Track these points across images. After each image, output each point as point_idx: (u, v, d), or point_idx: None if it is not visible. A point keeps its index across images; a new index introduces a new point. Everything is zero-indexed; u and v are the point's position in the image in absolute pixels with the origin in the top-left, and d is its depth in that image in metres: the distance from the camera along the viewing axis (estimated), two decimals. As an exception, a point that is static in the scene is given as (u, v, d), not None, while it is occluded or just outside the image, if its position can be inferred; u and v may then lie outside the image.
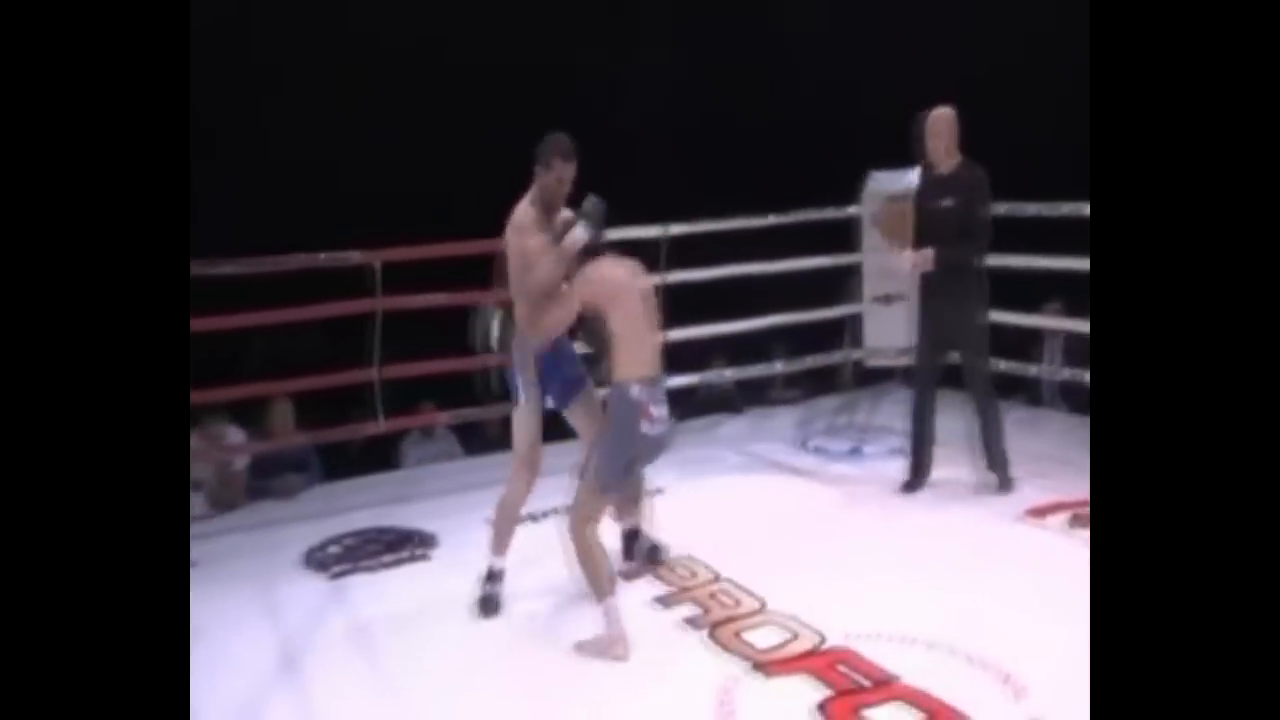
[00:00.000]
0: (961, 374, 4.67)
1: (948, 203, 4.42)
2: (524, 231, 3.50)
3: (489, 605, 3.63)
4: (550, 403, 3.74)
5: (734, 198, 6.00)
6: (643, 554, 3.93)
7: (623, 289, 3.40)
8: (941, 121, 4.46)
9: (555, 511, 4.15)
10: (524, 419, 3.64)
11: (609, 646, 3.26)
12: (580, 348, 3.81)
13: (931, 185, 4.52)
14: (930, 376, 4.67)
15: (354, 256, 5.06)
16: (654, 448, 3.42)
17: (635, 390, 3.32)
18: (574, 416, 3.79)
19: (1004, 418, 4.68)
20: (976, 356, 4.59)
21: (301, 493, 5.14)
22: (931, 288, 4.57)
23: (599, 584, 3.31)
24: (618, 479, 3.42)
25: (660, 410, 3.36)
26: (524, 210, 3.54)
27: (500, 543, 3.69)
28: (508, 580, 3.72)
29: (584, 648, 3.31)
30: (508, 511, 3.70)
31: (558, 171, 3.52)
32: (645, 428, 3.32)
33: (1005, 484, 4.57)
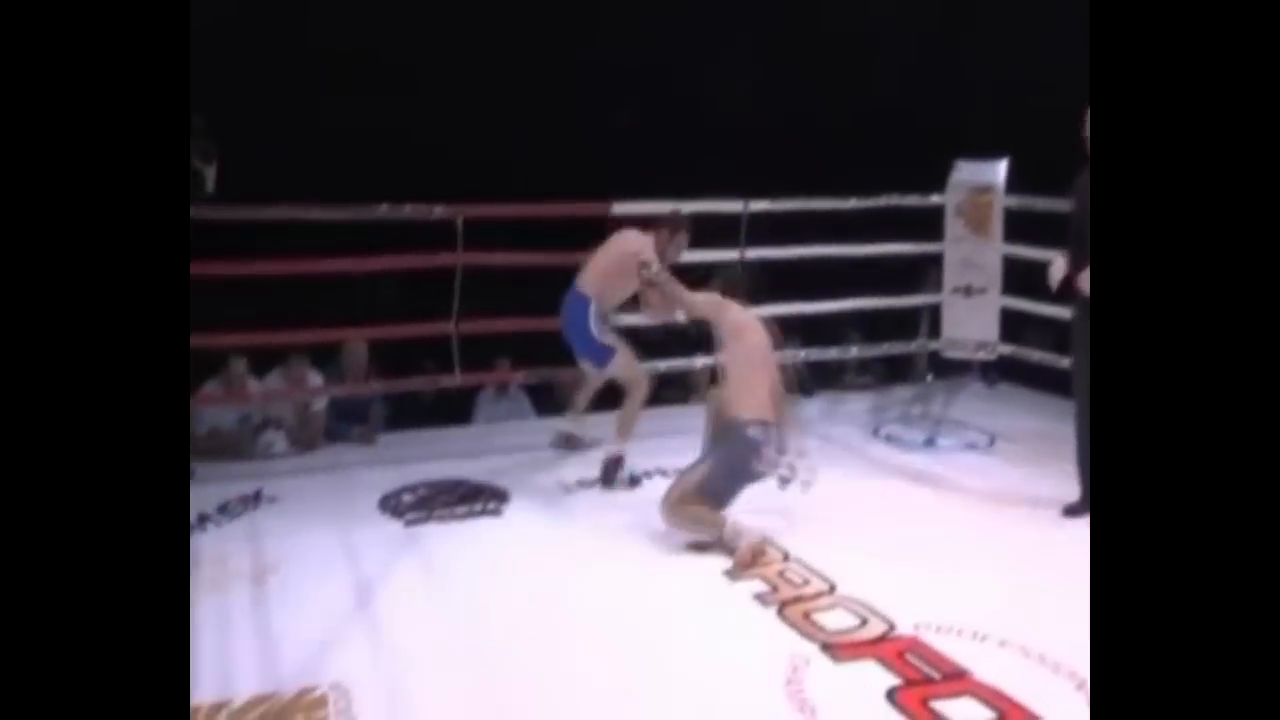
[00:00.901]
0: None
1: None
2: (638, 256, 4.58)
3: (610, 477, 4.56)
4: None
5: (821, 183, 5.96)
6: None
7: (747, 329, 3.97)
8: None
9: (660, 472, 4.60)
10: (625, 359, 4.74)
11: (735, 538, 3.67)
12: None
13: (1085, 179, 4.17)
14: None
15: (437, 210, 5.10)
16: (761, 476, 3.89)
17: (753, 431, 3.81)
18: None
19: None
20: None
21: (377, 440, 5.24)
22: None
23: (708, 527, 3.73)
24: (722, 497, 3.83)
25: (772, 452, 3.85)
26: (645, 244, 4.64)
27: (625, 433, 4.68)
28: (575, 550, 3.86)
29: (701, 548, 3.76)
30: (634, 407, 4.68)
31: (679, 243, 4.76)
32: (757, 464, 3.82)
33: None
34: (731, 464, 3.82)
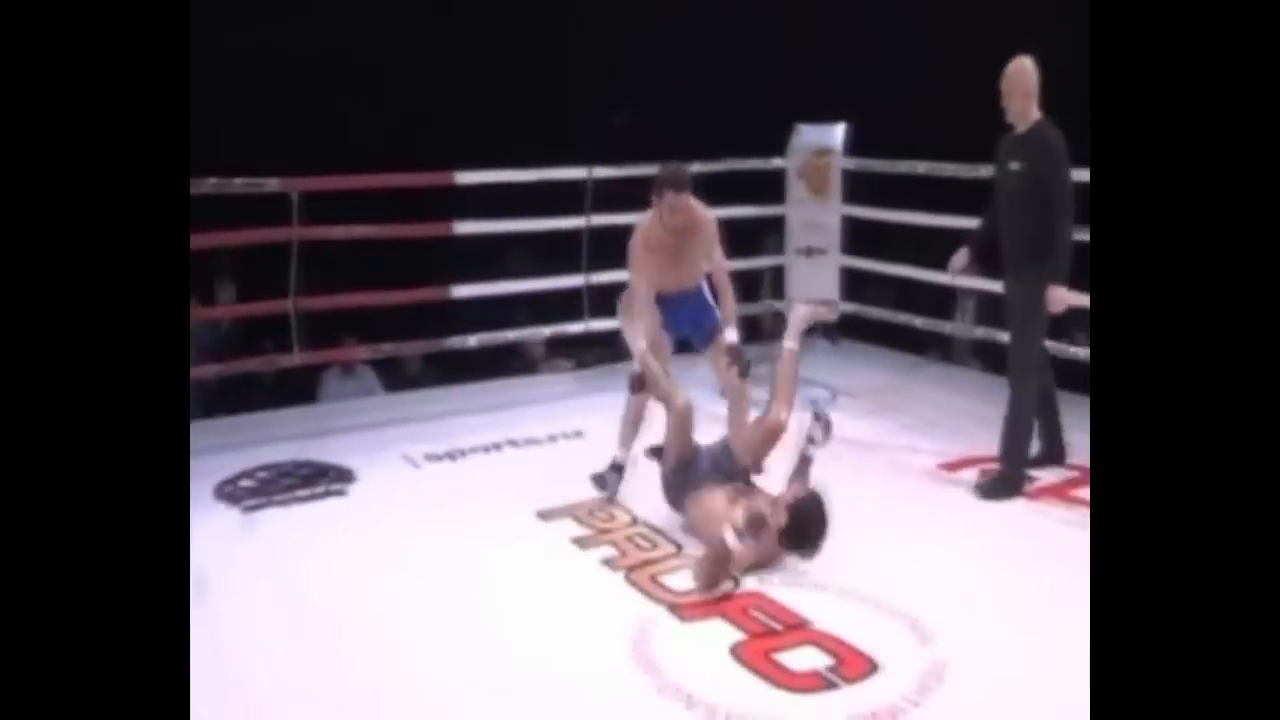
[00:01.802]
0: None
1: (1015, 166, 3.98)
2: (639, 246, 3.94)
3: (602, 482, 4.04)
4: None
5: (664, 147, 5.97)
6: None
7: None
8: (1009, 77, 3.95)
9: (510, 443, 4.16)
10: None
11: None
12: None
13: (1004, 146, 4.07)
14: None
15: (271, 184, 4.92)
16: None
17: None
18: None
19: (1032, 414, 4.16)
20: (1012, 333, 4.22)
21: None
22: (1009, 267, 4.14)
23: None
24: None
25: None
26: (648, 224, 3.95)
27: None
28: (425, 527, 3.77)
29: None
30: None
31: (669, 202, 3.85)
32: None
33: (1005, 481, 4.10)
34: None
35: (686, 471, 3.64)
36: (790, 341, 3.86)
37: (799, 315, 4.01)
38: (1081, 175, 3.83)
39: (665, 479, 3.74)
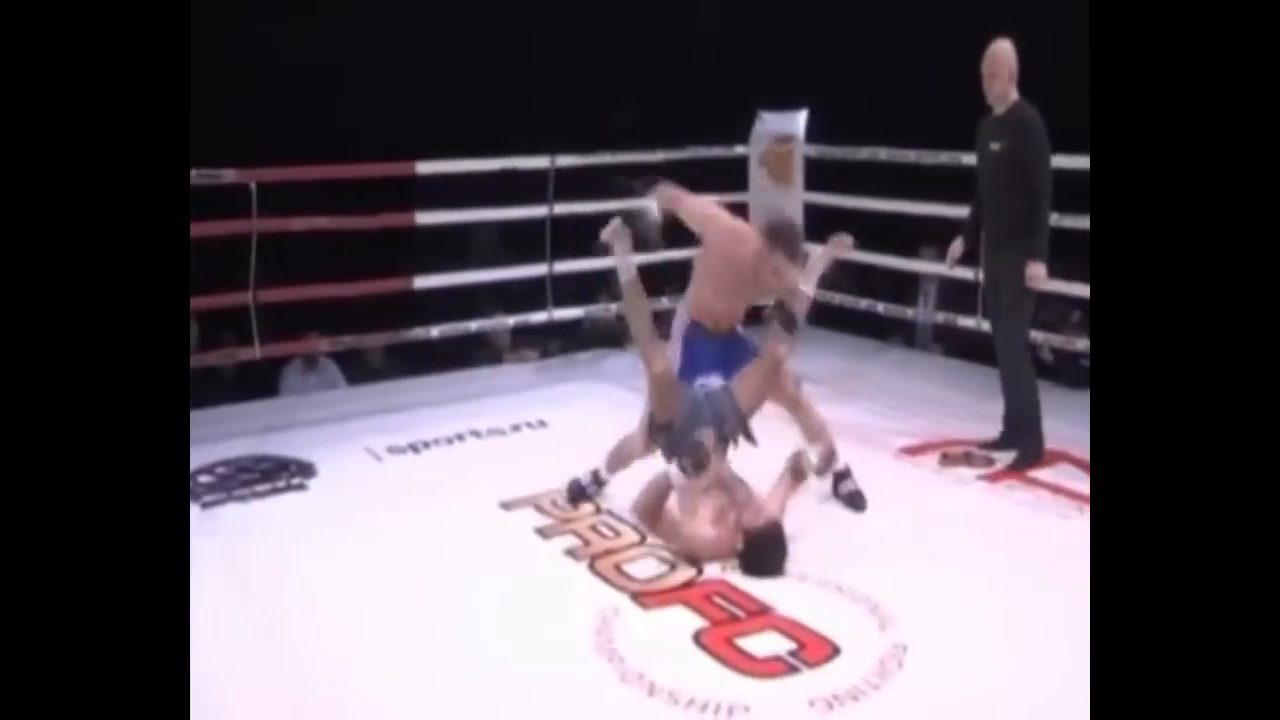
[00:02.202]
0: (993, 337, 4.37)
1: (995, 146, 4.05)
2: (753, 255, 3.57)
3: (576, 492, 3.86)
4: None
5: (625, 132, 5.98)
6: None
7: None
8: (993, 59, 3.99)
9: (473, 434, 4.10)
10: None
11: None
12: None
13: (984, 128, 4.14)
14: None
15: (228, 174, 4.86)
16: None
17: None
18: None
19: (1036, 391, 4.23)
20: (1003, 320, 4.22)
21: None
22: (988, 246, 4.24)
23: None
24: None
25: None
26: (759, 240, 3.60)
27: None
28: (387, 519, 3.75)
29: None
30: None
31: (777, 263, 3.54)
32: None
33: (1028, 451, 4.18)
34: None
35: (668, 433, 3.53)
36: (806, 285, 3.61)
37: (819, 256, 3.73)
38: (1078, 162, 3.94)
39: (657, 443, 3.61)
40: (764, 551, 3.32)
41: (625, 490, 3.73)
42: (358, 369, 5.85)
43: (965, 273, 5.26)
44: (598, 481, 3.89)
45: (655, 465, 3.53)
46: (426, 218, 5.45)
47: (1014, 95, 4.02)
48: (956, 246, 4.44)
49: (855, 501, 3.82)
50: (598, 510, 3.81)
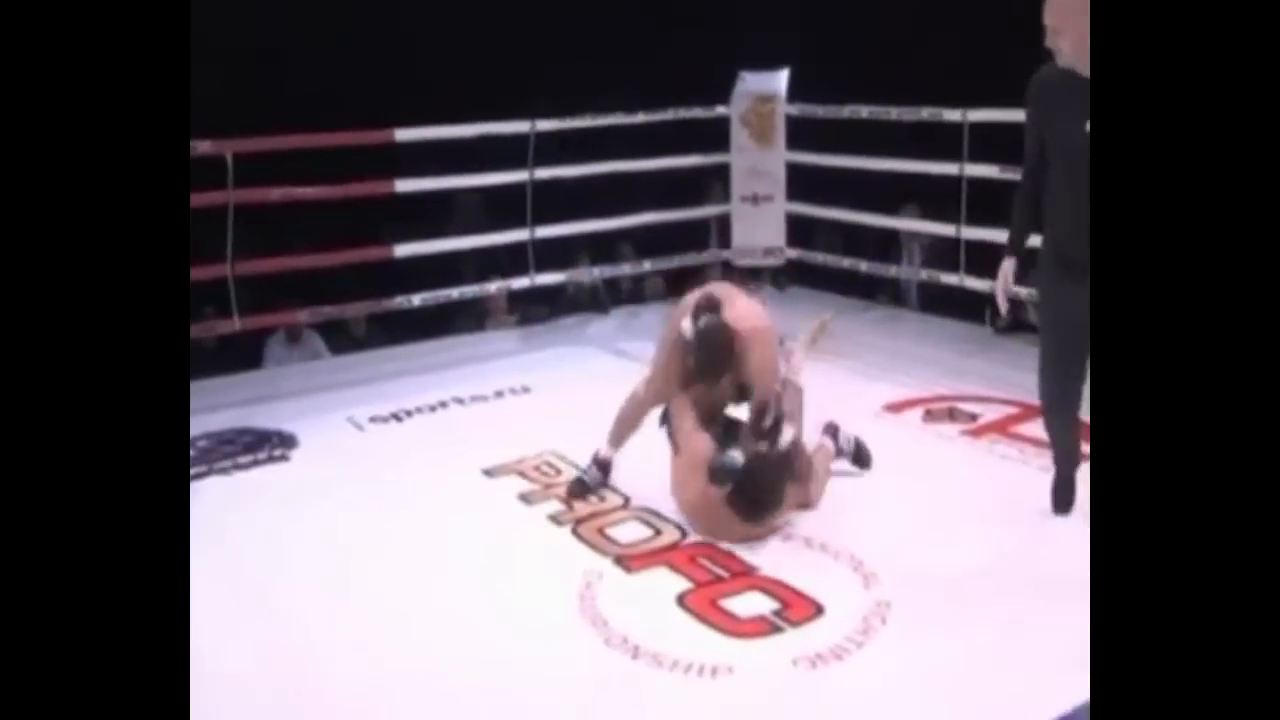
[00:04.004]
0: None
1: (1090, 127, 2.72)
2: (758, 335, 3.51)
3: (579, 486, 3.65)
4: None
5: (605, 95, 5.90)
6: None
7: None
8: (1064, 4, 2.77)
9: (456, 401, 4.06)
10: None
11: None
12: None
13: (1057, 94, 2.92)
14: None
15: (202, 146, 4.79)
16: None
17: None
18: None
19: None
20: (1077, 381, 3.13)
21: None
22: (1066, 271, 2.98)
23: None
24: None
25: None
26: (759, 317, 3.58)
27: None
28: (369, 489, 3.72)
29: None
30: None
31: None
32: None
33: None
34: None
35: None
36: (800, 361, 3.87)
37: (802, 344, 4.01)
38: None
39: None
40: (759, 480, 3.18)
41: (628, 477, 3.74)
42: (341, 339, 5.82)
43: (947, 229, 5.25)
44: (601, 467, 3.68)
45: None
46: (406, 185, 5.40)
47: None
48: (1008, 268, 3.23)
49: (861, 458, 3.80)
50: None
